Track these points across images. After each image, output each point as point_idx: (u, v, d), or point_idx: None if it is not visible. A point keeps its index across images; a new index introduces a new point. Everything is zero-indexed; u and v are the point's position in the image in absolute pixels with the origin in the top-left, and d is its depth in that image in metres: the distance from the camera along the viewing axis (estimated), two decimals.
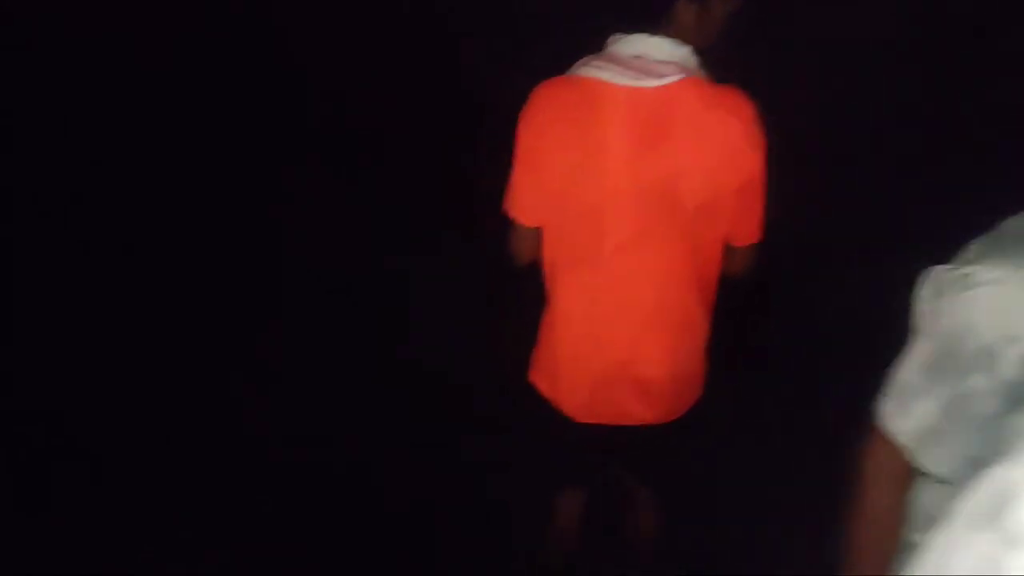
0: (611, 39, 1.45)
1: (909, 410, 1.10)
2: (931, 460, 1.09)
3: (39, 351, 2.67)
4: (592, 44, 1.48)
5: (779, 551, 2.00)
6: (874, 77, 3.12)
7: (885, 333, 1.20)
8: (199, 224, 3.07)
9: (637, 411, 1.66)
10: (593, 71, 1.43)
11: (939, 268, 1.09)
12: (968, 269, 1.03)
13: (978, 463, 0.72)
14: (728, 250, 1.58)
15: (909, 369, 1.11)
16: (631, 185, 1.44)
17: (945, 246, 1.10)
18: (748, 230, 1.56)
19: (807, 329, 2.65)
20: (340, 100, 3.43)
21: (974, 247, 1.07)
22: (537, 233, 1.59)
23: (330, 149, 3.35)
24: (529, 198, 1.55)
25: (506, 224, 1.62)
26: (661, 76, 1.40)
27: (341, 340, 2.75)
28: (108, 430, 2.46)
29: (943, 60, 3.07)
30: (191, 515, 2.26)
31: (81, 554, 2.12)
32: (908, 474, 1.14)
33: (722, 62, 1.48)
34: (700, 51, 1.46)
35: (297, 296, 2.90)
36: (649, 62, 1.41)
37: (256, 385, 2.59)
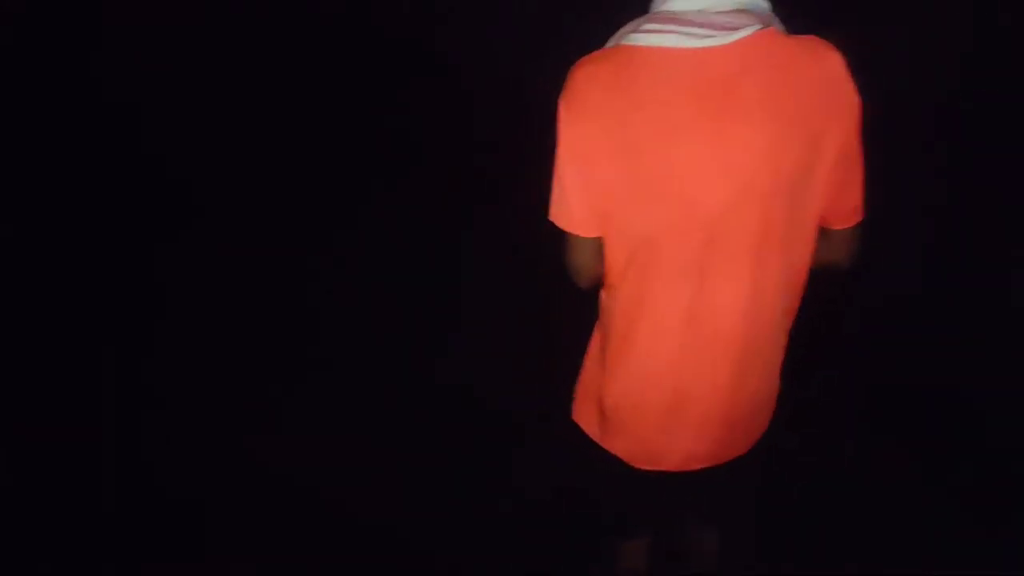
0: None
1: None
2: None
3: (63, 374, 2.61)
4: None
5: None
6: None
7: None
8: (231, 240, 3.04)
9: (704, 451, 1.41)
10: (649, 38, 1.16)
11: None
12: None
13: None
14: (824, 236, 1.31)
15: None
16: (715, 173, 1.18)
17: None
18: (850, 208, 1.28)
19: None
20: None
21: None
22: (599, 245, 1.30)
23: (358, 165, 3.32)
24: (584, 203, 1.26)
25: (556, 236, 1.34)
26: (733, 30, 1.14)
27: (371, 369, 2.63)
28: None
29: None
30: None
31: None
32: None
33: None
34: None
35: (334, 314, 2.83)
36: (715, 14, 1.15)
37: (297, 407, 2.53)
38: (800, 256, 1.28)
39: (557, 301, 2.56)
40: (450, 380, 2.53)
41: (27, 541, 2.12)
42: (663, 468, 1.43)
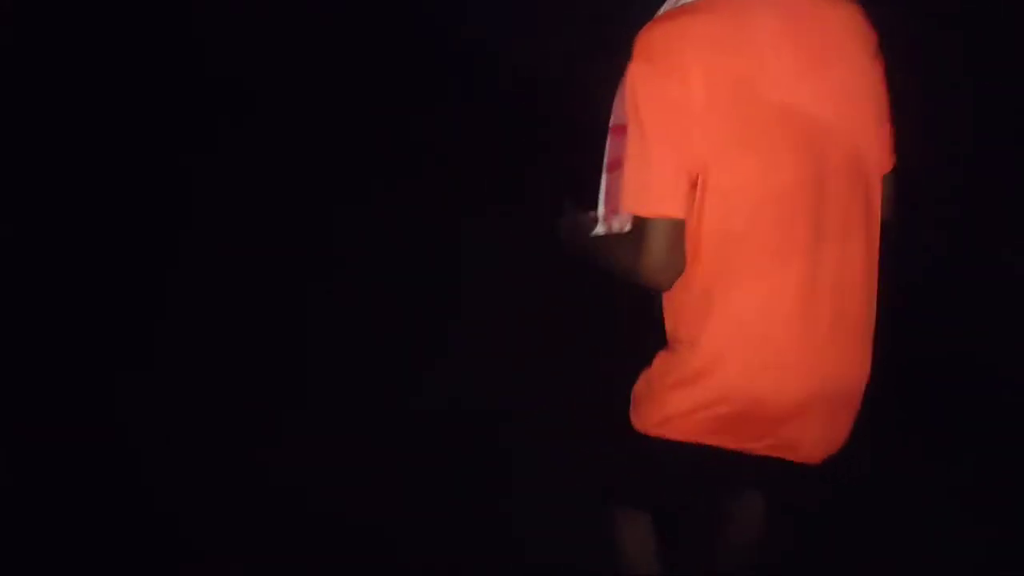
0: None
1: None
2: None
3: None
4: None
5: None
6: None
7: None
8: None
9: (837, 437, 1.36)
10: None
11: None
12: None
13: None
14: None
15: None
16: (821, 117, 1.13)
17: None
18: (888, 151, 1.25)
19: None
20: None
21: None
22: (683, 229, 1.15)
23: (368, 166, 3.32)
24: (679, 173, 1.12)
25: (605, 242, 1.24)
26: None
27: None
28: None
29: None
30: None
31: None
32: None
33: None
34: None
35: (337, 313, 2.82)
36: None
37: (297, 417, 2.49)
38: (876, 210, 1.23)
39: (558, 301, 2.58)
40: (450, 380, 2.52)
41: (27, 541, 2.12)
42: (784, 457, 1.33)
